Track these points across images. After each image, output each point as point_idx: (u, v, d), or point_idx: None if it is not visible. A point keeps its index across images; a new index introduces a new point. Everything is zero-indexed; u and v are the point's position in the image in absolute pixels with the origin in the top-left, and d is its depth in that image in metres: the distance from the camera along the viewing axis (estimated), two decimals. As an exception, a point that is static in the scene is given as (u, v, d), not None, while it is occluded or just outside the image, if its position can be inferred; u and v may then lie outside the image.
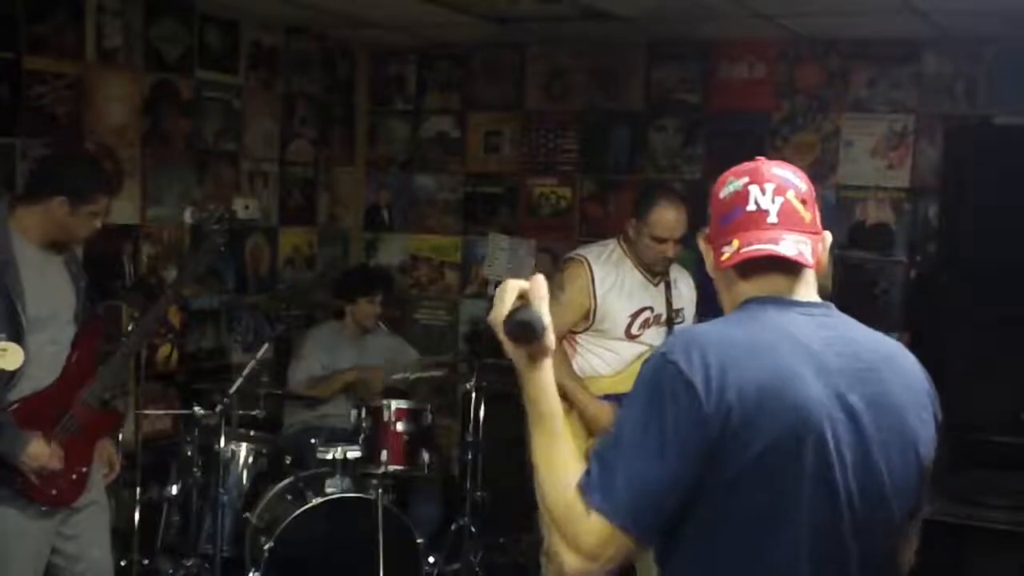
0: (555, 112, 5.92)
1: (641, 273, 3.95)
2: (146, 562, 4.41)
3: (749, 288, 1.80)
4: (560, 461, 1.70)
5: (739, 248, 1.75)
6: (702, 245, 1.88)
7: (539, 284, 1.73)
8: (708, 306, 4.50)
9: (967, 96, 5.08)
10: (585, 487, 1.63)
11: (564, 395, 3.82)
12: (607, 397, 3.89)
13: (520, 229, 6.00)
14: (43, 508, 3.35)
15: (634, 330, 3.93)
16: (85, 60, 4.65)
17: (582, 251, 4.04)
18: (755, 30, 5.17)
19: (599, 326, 3.91)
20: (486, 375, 4.92)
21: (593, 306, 3.89)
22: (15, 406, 3.27)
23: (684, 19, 5.01)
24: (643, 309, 3.94)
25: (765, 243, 1.75)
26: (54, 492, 3.35)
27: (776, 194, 1.78)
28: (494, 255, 6.04)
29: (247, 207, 5.48)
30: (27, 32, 4.40)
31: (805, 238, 1.78)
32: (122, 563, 4.27)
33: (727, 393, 1.61)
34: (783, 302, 1.78)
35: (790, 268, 1.79)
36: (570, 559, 1.64)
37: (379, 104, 6.32)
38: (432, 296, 6.25)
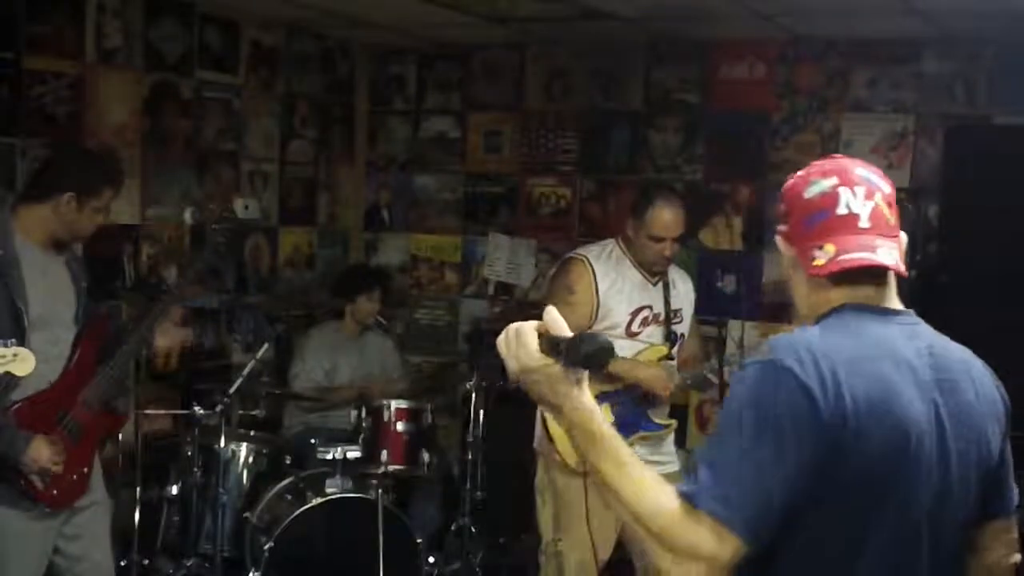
0: (555, 112, 5.92)
1: (640, 273, 3.95)
2: (146, 562, 4.41)
3: (840, 295, 1.77)
4: (643, 480, 1.64)
5: (836, 255, 1.72)
6: (780, 243, 1.84)
7: (554, 315, 1.68)
8: (707, 305, 4.52)
9: (967, 96, 5.08)
10: (695, 493, 1.59)
11: (617, 376, 3.80)
12: (605, 394, 3.90)
13: (520, 229, 6.01)
14: (45, 509, 3.35)
15: (634, 328, 3.94)
16: (85, 60, 4.65)
17: (581, 251, 4.04)
18: (755, 30, 5.17)
19: (600, 324, 3.91)
20: (486, 375, 4.92)
21: (596, 304, 3.90)
22: (16, 407, 3.27)
23: (684, 19, 5.01)
24: (643, 308, 3.95)
25: (863, 251, 1.72)
26: (55, 493, 3.35)
27: (867, 198, 1.76)
28: (494, 255, 6.06)
29: (247, 207, 5.48)
30: (27, 32, 4.40)
31: (893, 243, 1.76)
32: (122, 563, 4.27)
33: (843, 400, 1.61)
34: (878, 311, 1.77)
35: (881, 275, 1.77)
36: (688, 570, 1.59)
37: (379, 104, 6.32)
38: (432, 296, 6.25)
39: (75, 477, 3.42)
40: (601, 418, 1.67)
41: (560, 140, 5.92)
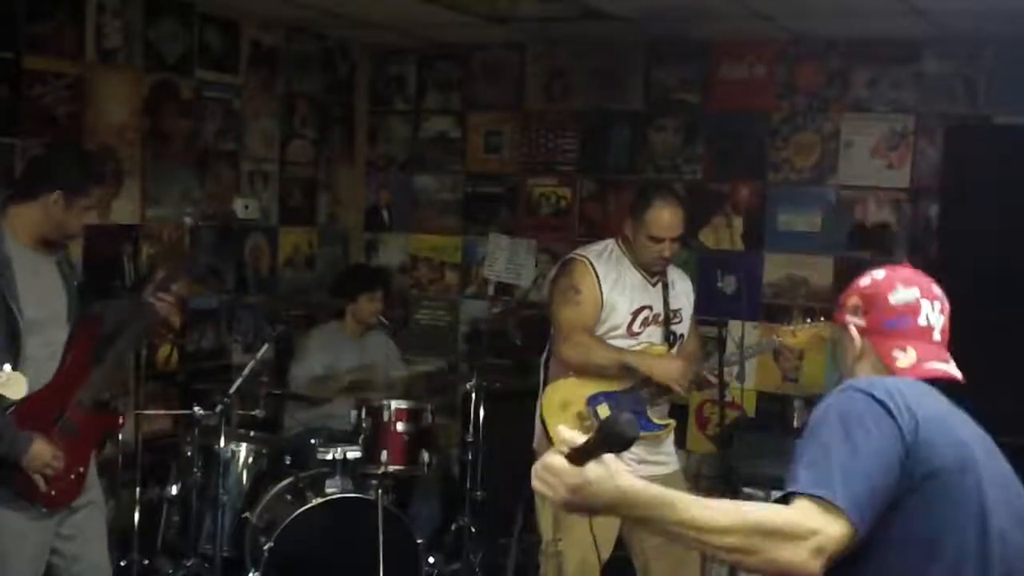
0: (555, 112, 5.91)
1: (639, 273, 3.95)
2: (146, 562, 4.41)
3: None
4: (724, 502, 1.72)
5: (919, 361, 1.97)
6: (853, 332, 2.04)
7: (565, 431, 1.71)
8: (707, 305, 4.51)
9: (967, 96, 5.07)
10: (796, 487, 1.71)
11: (634, 371, 3.83)
12: (604, 394, 3.90)
13: (520, 229, 6.01)
14: (42, 509, 3.35)
15: (635, 328, 3.94)
16: (85, 60, 4.65)
17: (582, 251, 4.04)
18: (755, 30, 5.17)
19: (603, 324, 3.92)
20: (486, 375, 4.92)
21: (600, 304, 3.90)
22: (13, 408, 3.26)
23: (684, 19, 5.01)
24: (643, 308, 3.95)
25: (940, 362, 1.99)
26: (53, 493, 3.35)
27: (940, 312, 2.03)
28: (494, 255, 6.05)
29: (247, 207, 5.48)
30: (27, 32, 4.40)
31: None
32: (122, 563, 4.27)
33: (914, 415, 1.79)
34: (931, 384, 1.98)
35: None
36: (805, 553, 1.66)
37: (379, 104, 6.32)
38: (432, 296, 6.25)
39: (72, 477, 3.42)
40: (645, 483, 1.70)
41: (560, 140, 5.92)
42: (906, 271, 2.08)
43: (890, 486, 1.73)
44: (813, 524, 1.66)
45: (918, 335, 1.99)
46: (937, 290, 2.05)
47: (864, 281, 2.08)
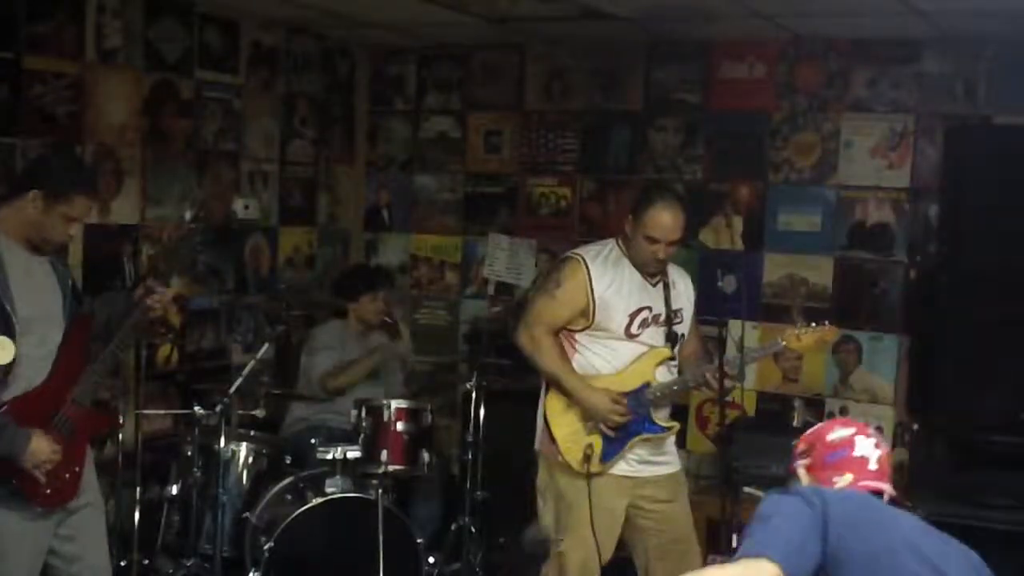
0: (555, 112, 5.92)
1: (640, 273, 3.94)
2: (146, 562, 4.41)
3: None
4: None
5: (855, 481, 2.25)
6: (801, 473, 2.33)
7: None
8: (707, 305, 4.51)
9: (967, 96, 5.08)
10: (740, 553, 1.98)
11: (564, 389, 3.86)
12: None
13: (520, 229, 6.01)
14: (39, 509, 3.34)
15: (633, 329, 3.92)
16: (85, 60, 4.65)
17: (579, 250, 4.03)
18: (755, 30, 5.17)
19: (598, 325, 3.90)
20: (486, 375, 4.92)
21: (591, 305, 3.88)
22: (7, 407, 3.25)
23: (684, 19, 5.01)
24: (642, 309, 3.93)
25: (875, 482, 2.26)
26: (49, 492, 3.34)
27: (876, 447, 2.31)
28: (494, 255, 6.06)
29: (247, 207, 5.48)
30: (27, 32, 4.40)
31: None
32: (122, 563, 4.27)
33: (821, 494, 2.10)
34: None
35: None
36: None
37: (379, 104, 6.32)
38: (432, 296, 6.25)
39: (68, 476, 3.40)
40: None
41: (560, 140, 5.92)
42: (845, 419, 2.49)
43: (812, 540, 2.00)
44: (742, 568, 1.96)
45: (853, 465, 2.27)
46: (873, 431, 2.37)
47: (808, 431, 2.41)
